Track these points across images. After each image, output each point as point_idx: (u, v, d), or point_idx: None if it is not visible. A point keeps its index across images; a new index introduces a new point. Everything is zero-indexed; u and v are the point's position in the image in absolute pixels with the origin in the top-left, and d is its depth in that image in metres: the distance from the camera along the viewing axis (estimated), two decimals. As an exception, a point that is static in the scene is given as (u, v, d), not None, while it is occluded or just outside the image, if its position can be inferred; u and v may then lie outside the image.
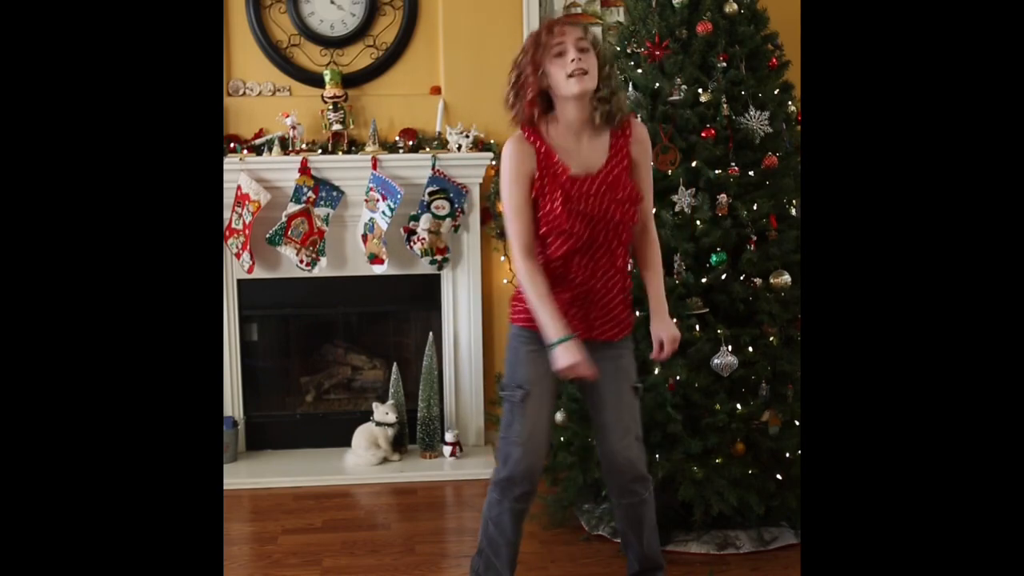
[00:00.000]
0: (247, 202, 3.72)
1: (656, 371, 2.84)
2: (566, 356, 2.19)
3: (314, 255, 3.81)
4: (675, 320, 2.84)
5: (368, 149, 3.81)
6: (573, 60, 2.17)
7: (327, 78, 3.82)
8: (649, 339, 2.87)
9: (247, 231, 3.74)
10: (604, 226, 2.26)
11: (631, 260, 2.50)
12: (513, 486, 2.35)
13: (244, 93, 3.93)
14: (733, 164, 2.94)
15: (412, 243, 3.83)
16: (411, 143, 3.85)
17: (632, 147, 2.32)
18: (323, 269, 3.82)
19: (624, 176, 2.28)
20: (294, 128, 3.80)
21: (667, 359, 2.47)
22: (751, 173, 2.96)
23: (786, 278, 2.90)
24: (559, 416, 3.02)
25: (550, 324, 2.21)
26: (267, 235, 3.77)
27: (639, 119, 2.33)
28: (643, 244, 2.43)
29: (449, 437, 3.85)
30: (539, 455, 2.35)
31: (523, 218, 2.26)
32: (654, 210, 2.49)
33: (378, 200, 3.74)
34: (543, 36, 2.21)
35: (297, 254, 3.79)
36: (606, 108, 2.24)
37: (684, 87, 2.99)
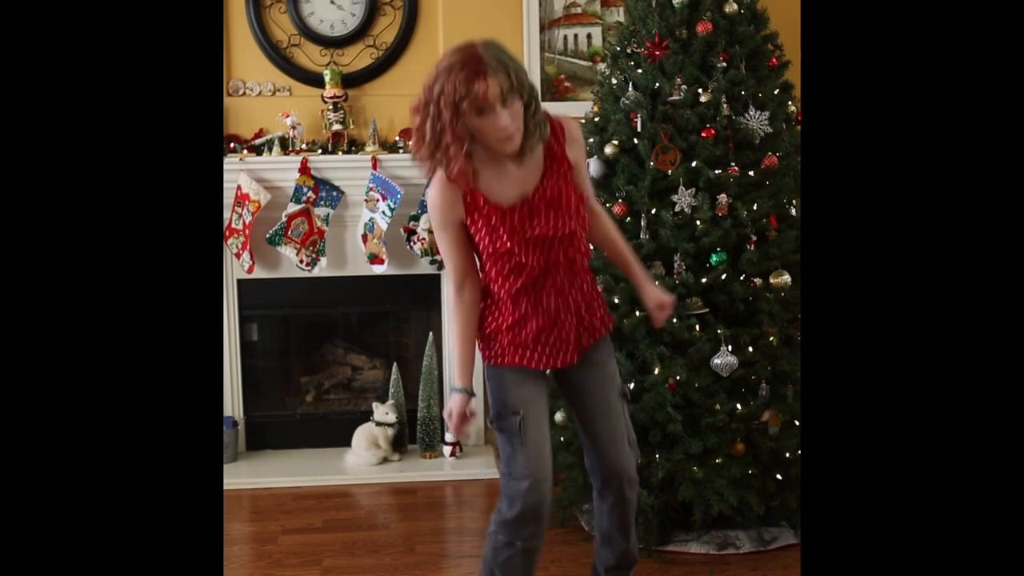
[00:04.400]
0: (247, 202, 3.72)
1: (656, 371, 2.84)
2: (452, 404, 2.18)
3: (314, 255, 3.81)
4: (675, 320, 2.85)
5: (368, 149, 3.81)
6: (503, 126, 1.97)
7: (327, 78, 3.82)
8: (648, 340, 2.89)
9: (247, 231, 3.74)
10: (559, 242, 2.13)
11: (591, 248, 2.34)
12: (524, 524, 2.16)
13: (244, 93, 3.93)
14: (733, 164, 2.94)
15: (412, 243, 3.83)
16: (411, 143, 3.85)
17: (569, 150, 2.14)
18: (323, 269, 3.82)
19: (565, 186, 2.12)
20: (294, 128, 3.80)
21: (667, 319, 2.45)
22: (751, 173, 2.96)
23: (786, 278, 2.90)
24: (559, 416, 3.02)
25: (457, 368, 2.20)
26: (267, 235, 3.77)
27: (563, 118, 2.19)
28: (597, 229, 2.31)
29: (449, 437, 3.85)
30: (547, 484, 2.17)
31: (454, 257, 2.17)
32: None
33: (378, 200, 3.74)
34: (457, 94, 1.93)
35: (297, 254, 3.79)
36: (535, 135, 2.07)
37: (684, 87, 2.99)
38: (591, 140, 3.16)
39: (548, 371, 2.28)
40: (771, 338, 2.88)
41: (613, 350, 2.37)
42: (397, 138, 3.88)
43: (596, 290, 2.31)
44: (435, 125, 1.99)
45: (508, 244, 2.10)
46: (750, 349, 2.86)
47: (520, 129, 2.02)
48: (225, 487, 3.45)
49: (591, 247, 2.31)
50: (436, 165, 2.06)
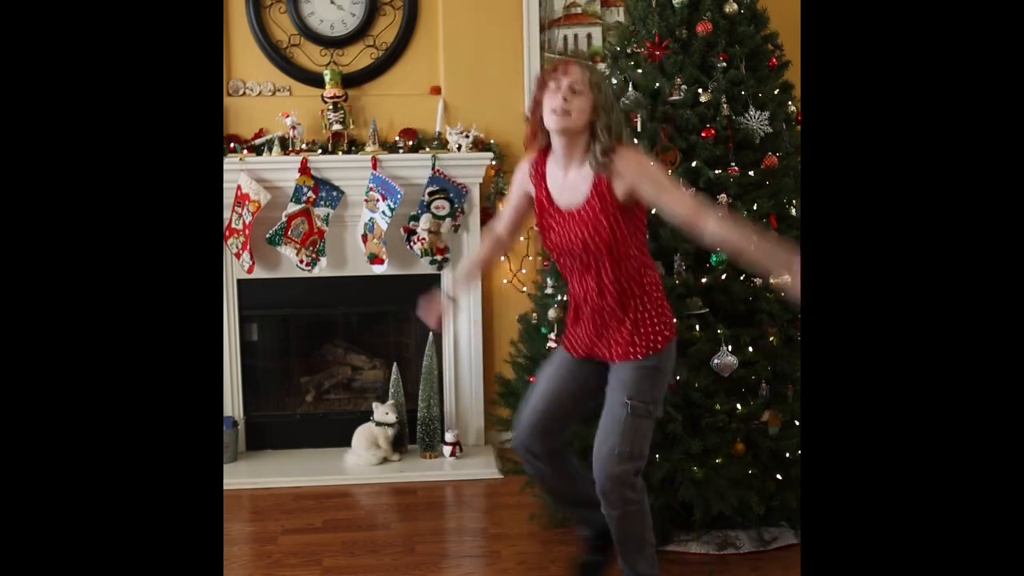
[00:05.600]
0: (247, 202, 3.72)
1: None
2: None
3: (314, 255, 3.81)
4: (675, 320, 2.85)
5: (368, 149, 3.81)
6: (559, 99, 2.30)
7: (327, 78, 3.82)
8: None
9: (247, 231, 3.74)
10: (583, 254, 2.39)
11: (644, 282, 2.44)
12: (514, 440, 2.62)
13: (244, 93, 3.93)
14: (733, 164, 2.94)
15: (412, 243, 3.83)
16: (411, 143, 3.85)
17: (616, 182, 2.30)
18: (323, 269, 3.82)
19: (598, 215, 2.33)
20: (294, 128, 3.80)
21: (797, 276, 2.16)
22: (751, 173, 2.96)
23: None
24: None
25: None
26: (267, 235, 3.77)
27: (630, 146, 2.39)
28: (707, 232, 2.28)
29: (449, 437, 3.85)
30: (526, 429, 2.54)
31: (506, 210, 2.65)
32: (699, 207, 2.33)
33: (378, 200, 3.74)
34: (548, 72, 2.38)
35: (297, 254, 3.79)
36: (597, 156, 2.31)
37: (684, 87, 2.99)
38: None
39: (589, 364, 2.51)
40: (771, 338, 2.88)
41: (656, 367, 2.41)
42: (397, 138, 3.88)
43: (637, 321, 2.40)
44: (532, 107, 2.41)
45: (549, 239, 2.46)
46: (750, 349, 2.86)
47: (578, 120, 2.30)
48: (225, 487, 3.45)
49: (646, 270, 2.45)
50: (530, 139, 2.47)
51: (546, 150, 2.44)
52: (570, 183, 2.39)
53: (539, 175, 2.46)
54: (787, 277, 2.27)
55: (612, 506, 2.38)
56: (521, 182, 2.52)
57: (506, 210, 2.64)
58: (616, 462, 2.34)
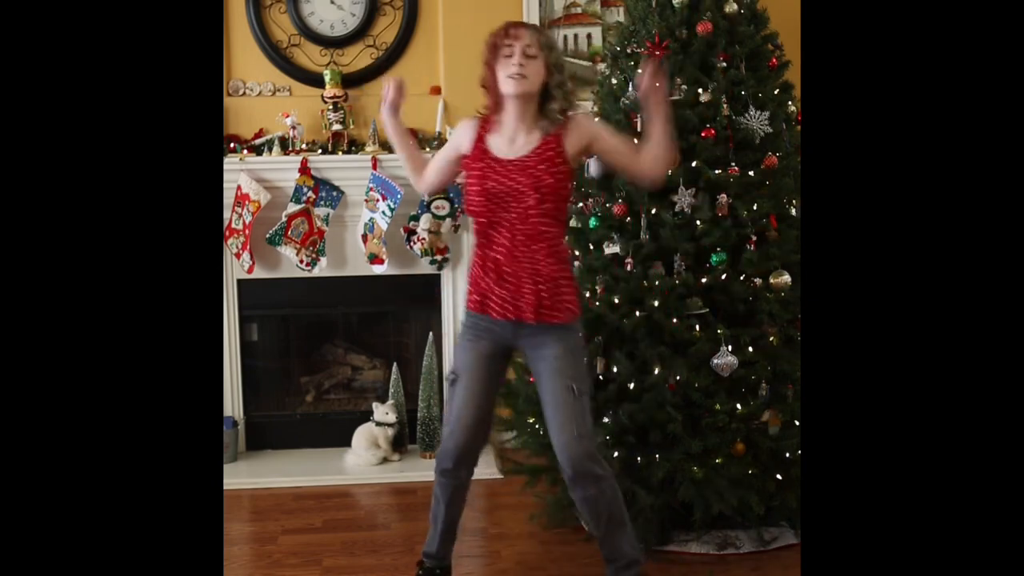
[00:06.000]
0: (247, 202, 3.72)
1: (656, 371, 2.84)
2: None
3: (314, 255, 3.81)
4: (675, 320, 2.85)
5: (368, 149, 3.81)
6: (515, 63, 2.34)
7: (327, 78, 3.82)
8: (648, 340, 2.88)
9: (247, 231, 3.74)
10: (509, 204, 2.39)
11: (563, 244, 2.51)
12: (439, 460, 2.59)
13: (244, 93, 3.93)
14: (733, 164, 2.94)
15: (412, 243, 3.83)
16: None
17: (568, 138, 2.41)
18: (323, 269, 3.82)
19: (540, 168, 2.38)
20: (294, 128, 3.80)
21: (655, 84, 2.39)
22: (751, 173, 2.96)
23: (786, 278, 2.89)
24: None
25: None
26: (267, 235, 3.77)
27: (582, 112, 2.49)
28: (644, 160, 2.44)
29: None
30: (465, 437, 2.52)
31: (433, 162, 2.64)
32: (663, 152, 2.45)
33: (378, 200, 3.74)
34: (498, 38, 2.41)
35: (297, 254, 3.79)
36: (547, 113, 2.40)
37: (684, 87, 2.99)
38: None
39: (510, 348, 2.53)
40: (771, 338, 2.88)
41: (576, 345, 2.49)
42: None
43: (565, 278, 2.45)
44: (484, 73, 2.43)
45: (474, 185, 2.43)
46: (750, 349, 2.86)
47: (534, 83, 2.36)
48: (225, 487, 3.45)
49: (565, 245, 2.51)
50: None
51: (489, 118, 2.46)
52: (516, 145, 2.42)
53: (482, 135, 2.46)
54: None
55: (589, 486, 2.44)
56: (458, 141, 2.51)
57: (432, 162, 2.64)
58: (578, 443, 2.40)
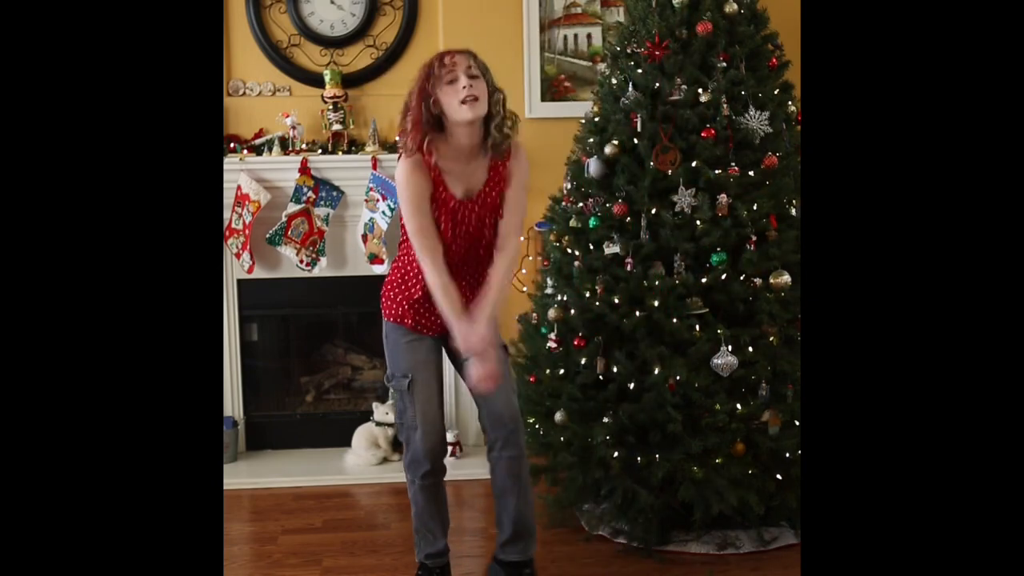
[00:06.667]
0: (247, 202, 3.72)
1: (656, 371, 2.84)
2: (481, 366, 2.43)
3: (314, 255, 3.81)
4: (675, 320, 2.85)
5: (368, 149, 3.81)
6: (465, 87, 2.31)
7: (327, 78, 3.82)
8: (648, 340, 2.88)
9: (247, 231, 3.74)
10: (478, 241, 2.48)
11: None
12: (418, 466, 2.56)
13: (244, 93, 3.93)
14: (733, 164, 2.94)
15: (412, 243, 3.82)
16: (411, 143, 3.85)
17: (510, 164, 2.46)
18: (323, 269, 3.82)
19: (495, 194, 2.46)
20: (294, 128, 3.80)
21: (486, 382, 2.45)
22: (751, 173, 2.96)
23: (786, 278, 2.89)
24: (559, 416, 3.02)
25: (457, 309, 2.43)
26: (267, 235, 3.77)
27: (520, 149, 2.51)
28: (496, 259, 2.49)
29: (449, 437, 3.84)
30: (438, 435, 2.57)
31: (430, 236, 2.42)
32: (522, 232, 2.64)
33: (378, 200, 3.74)
34: (435, 66, 2.35)
35: (297, 254, 3.79)
36: (496, 136, 2.40)
37: (684, 87, 2.99)
38: (591, 140, 3.16)
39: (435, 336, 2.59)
40: (771, 338, 2.88)
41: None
42: (397, 138, 3.86)
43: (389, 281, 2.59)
44: (407, 107, 2.40)
45: (448, 232, 2.42)
46: (750, 349, 2.86)
47: (485, 104, 2.34)
48: (225, 487, 3.45)
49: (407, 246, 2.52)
50: (406, 142, 2.40)
51: (421, 152, 2.38)
52: (469, 172, 2.43)
53: (435, 173, 2.40)
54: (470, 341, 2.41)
55: (517, 447, 2.58)
56: (425, 192, 2.39)
57: (429, 236, 2.41)
58: (515, 407, 2.56)
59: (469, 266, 2.51)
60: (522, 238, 2.57)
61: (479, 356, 2.42)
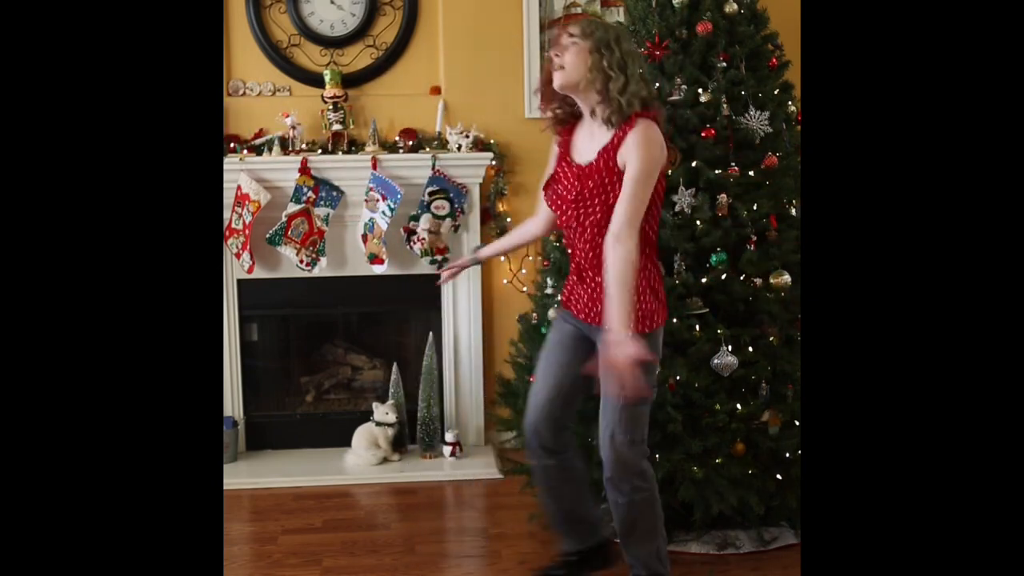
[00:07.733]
0: (247, 202, 3.72)
1: (656, 371, 2.84)
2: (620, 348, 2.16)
3: (314, 255, 3.81)
4: (675, 320, 2.85)
5: (368, 149, 3.81)
6: (552, 57, 2.30)
7: (327, 78, 3.82)
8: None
9: (247, 231, 3.74)
10: (575, 209, 2.34)
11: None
12: (527, 447, 2.56)
13: (244, 93, 3.93)
14: (733, 164, 2.94)
15: (412, 243, 3.83)
16: (411, 143, 3.85)
17: (620, 151, 2.27)
18: (323, 269, 3.82)
19: (596, 176, 2.29)
20: (294, 128, 3.80)
21: (625, 392, 2.20)
22: (751, 173, 2.96)
23: (786, 278, 2.90)
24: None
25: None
26: (267, 235, 3.77)
27: (651, 120, 2.28)
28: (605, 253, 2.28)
29: (449, 437, 3.85)
30: (537, 415, 2.50)
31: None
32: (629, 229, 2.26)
33: (378, 200, 3.74)
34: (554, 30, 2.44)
35: (297, 254, 3.79)
36: (608, 107, 2.27)
37: (684, 87, 2.99)
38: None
39: (582, 340, 2.48)
40: (771, 338, 2.88)
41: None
42: (397, 138, 3.87)
43: (642, 294, 2.31)
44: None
45: (554, 190, 2.41)
46: (750, 349, 2.86)
47: (572, 73, 2.26)
48: (225, 487, 3.45)
49: (651, 260, 2.38)
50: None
51: (572, 121, 2.42)
52: (587, 141, 2.37)
53: (566, 137, 2.43)
54: (617, 345, 2.16)
55: (619, 493, 2.40)
56: (553, 155, 2.47)
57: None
58: (618, 447, 2.35)
59: (580, 232, 2.37)
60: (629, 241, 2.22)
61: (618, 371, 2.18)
